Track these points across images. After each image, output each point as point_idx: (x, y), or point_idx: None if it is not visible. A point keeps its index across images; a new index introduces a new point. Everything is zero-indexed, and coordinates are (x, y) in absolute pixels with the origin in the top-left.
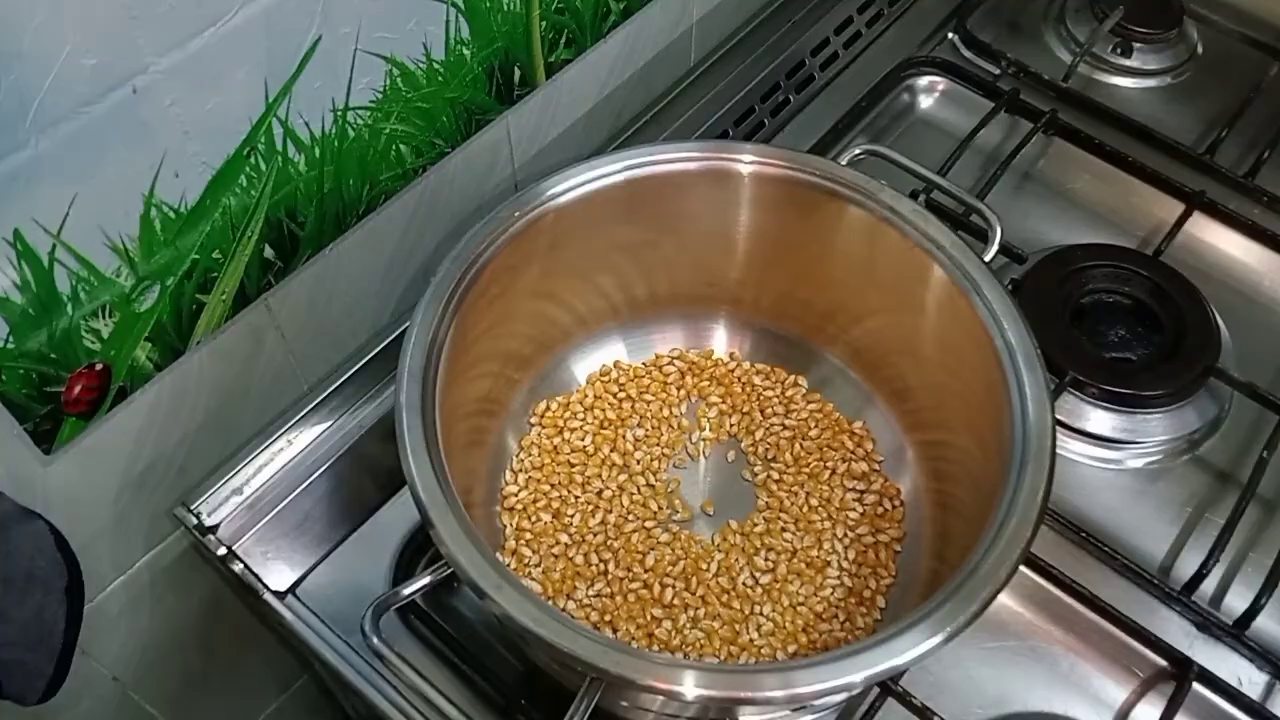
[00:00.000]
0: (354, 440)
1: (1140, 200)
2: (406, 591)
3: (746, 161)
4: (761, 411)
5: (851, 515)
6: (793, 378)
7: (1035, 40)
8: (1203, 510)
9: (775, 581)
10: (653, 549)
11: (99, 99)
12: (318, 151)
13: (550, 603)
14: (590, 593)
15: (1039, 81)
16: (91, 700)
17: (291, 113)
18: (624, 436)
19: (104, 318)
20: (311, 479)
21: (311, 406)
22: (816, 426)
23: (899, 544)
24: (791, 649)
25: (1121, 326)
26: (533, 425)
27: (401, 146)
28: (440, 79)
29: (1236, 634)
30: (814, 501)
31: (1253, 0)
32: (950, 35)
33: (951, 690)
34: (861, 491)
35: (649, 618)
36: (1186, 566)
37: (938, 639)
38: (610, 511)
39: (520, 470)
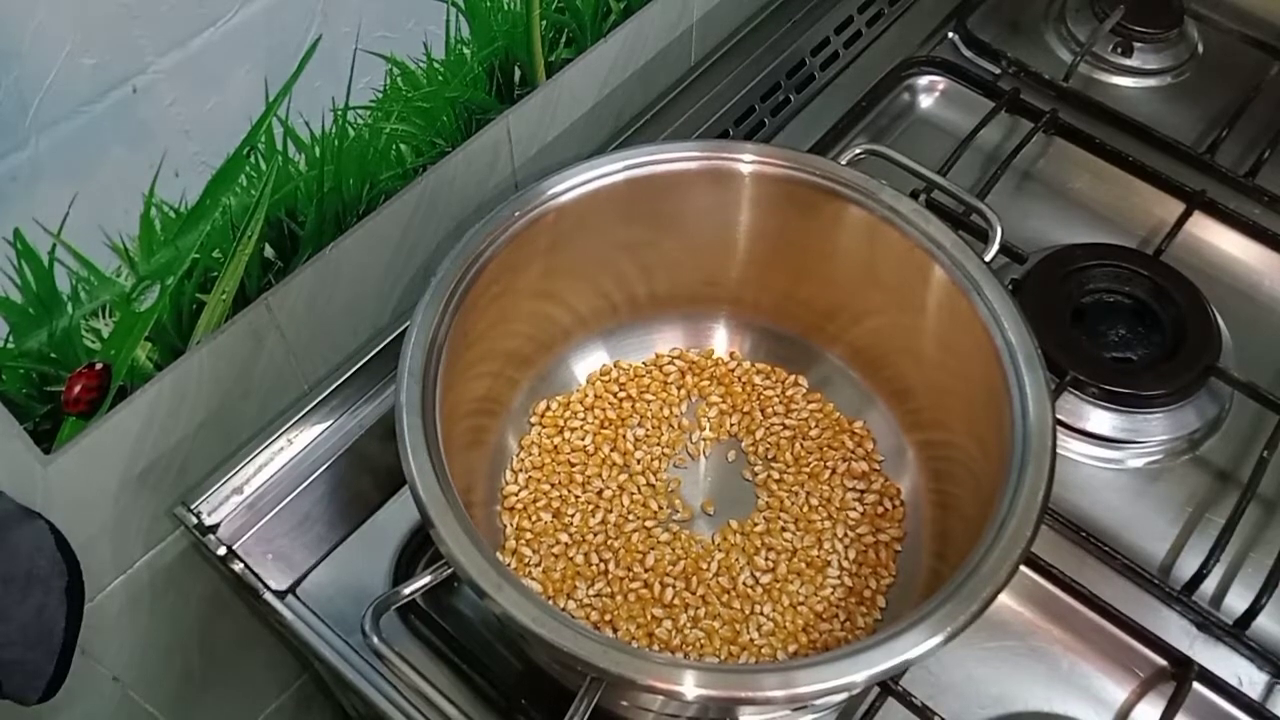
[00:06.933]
0: (354, 440)
1: (1140, 200)
2: (406, 591)
3: (747, 161)
4: (762, 411)
5: (852, 515)
6: (793, 377)
7: (1035, 40)
8: (1203, 510)
9: (775, 581)
10: (653, 548)
11: (99, 99)
12: (318, 151)
13: (550, 602)
14: (590, 592)
15: (1039, 81)
16: (91, 700)
17: (291, 112)
18: (624, 436)
19: (104, 317)
20: (311, 479)
21: (311, 406)
22: (817, 426)
23: (899, 544)
24: (792, 649)
25: (1122, 326)
26: (533, 425)
27: (402, 146)
28: (440, 78)
29: (1237, 634)
30: (814, 501)
31: (1253, 0)
32: (950, 35)
33: (951, 690)
34: (862, 491)
35: (649, 617)
36: (1187, 566)
37: (938, 639)
38: (610, 511)
39: (520, 470)
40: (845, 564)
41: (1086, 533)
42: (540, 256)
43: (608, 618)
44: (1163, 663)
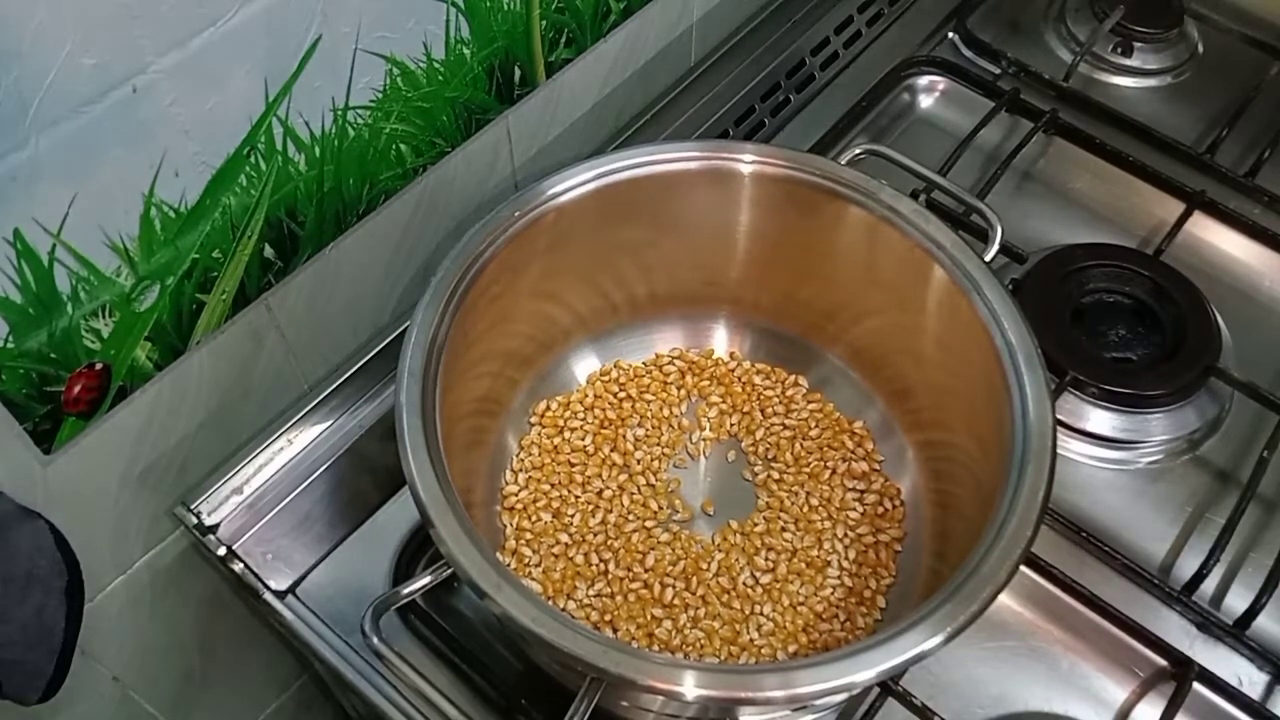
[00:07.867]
0: (354, 440)
1: (1140, 200)
2: (406, 591)
3: (747, 161)
4: (762, 411)
5: (852, 515)
6: (793, 377)
7: (1035, 40)
8: (1203, 510)
9: (775, 581)
10: (653, 549)
11: (99, 99)
12: (318, 151)
13: (550, 603)
14: (590, 592)
15: (1039, 81)
16: (91, 700)
17: (291, 112)
18: (624, 436)
19: (104, 317)
20: (311, 479)
21: (311, 406)
22: (817, 426)
23: (899, 544)
24: (792, 649)
25: (1122, 326)
26: (533, 425)
27: (401, 146)
28: (440, 78)
29: (1237, 634)
30: (814, 501)
31: (1253, 0)
32: (950, 35)
33: (951, 690)
34: (861, 491)
35: (649, 617)
36: (1187, 566)
37: (938, 639)
38: (610, 511)
39: (520, 470)
40: (845, 564)
41: (1086, 533)
42: (540, 256)
43: (608, 618)
44: (1163, 663)
